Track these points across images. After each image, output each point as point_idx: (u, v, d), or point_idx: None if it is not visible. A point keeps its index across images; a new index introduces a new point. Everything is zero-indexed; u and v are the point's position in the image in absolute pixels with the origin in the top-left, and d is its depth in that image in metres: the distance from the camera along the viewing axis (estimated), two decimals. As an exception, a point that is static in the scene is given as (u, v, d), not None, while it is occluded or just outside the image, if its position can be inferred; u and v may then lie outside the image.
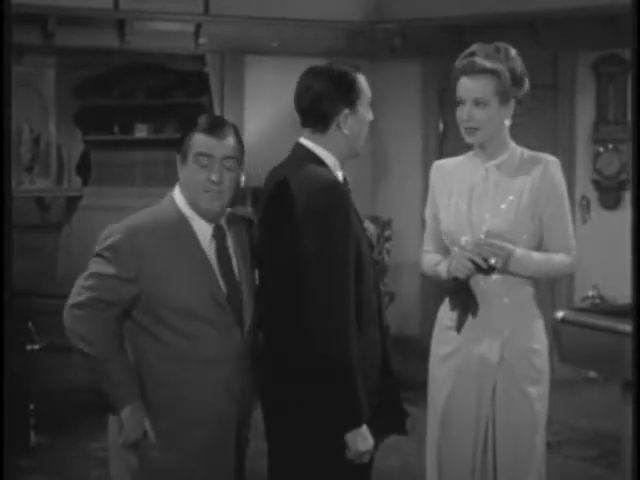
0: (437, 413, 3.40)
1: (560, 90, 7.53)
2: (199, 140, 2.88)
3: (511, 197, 3.33)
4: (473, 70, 3.29)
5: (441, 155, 7.53)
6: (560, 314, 3.41)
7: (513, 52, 3.34)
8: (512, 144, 3.41)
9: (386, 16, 7.86)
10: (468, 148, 3.46)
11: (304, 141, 3.02)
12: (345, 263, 2.86)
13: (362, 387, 2.84)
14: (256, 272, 3.07)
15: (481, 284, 3.33)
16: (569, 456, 5.63)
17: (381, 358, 3.04)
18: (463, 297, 3.33)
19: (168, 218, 2.90)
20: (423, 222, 3.60)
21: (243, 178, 8.58)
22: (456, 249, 3.38)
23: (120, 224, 2.89)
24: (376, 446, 2.93)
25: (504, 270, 3.28)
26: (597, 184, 7.44)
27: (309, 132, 3.01)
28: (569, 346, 3.40)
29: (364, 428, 2.86)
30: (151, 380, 2.86)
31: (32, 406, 5.91)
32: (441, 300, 3.48)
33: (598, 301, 7.17)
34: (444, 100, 7.73)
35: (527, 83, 3.36)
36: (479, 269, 3.27)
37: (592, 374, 6.76)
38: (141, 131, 9.03)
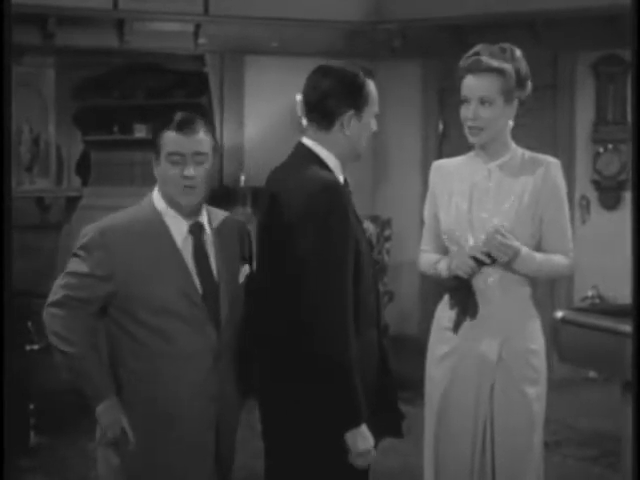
0: (434, 413, 3.40)
1: (560, 90, 7.53)
2: (169, 139, 2.92)
3: (512, 197, 3.33)
4: (479, 69, 3.29)
5: (441, 155, 7.53)
6: (560, 314, 3.41)
7: (518, 52, 3.35)
8: (513, 145, 3.41)
9: (386, 16, 7.86)
10: (468, 148, 3.46)
11: (306, 141, 3.02)
12: (343, 264, 2.86)
13: (360, 387, 2.84)
14: (240, 274, 3.08)
15: (480, 284, 3.33)
16: (568, 456, 5.63)
17: (379, 358, 3.04)
18: (464, 296, 3.33)
19: (143, 216, 2.95)
20: (423, 222, 3.60)
21: (243, 178, 8.56)
22: (455, 248, 3.38)
23: (95, 224, 2.95)
24: (374, 447, 2.92)
25: (507, 267, 3.28)
26: (597, 184, 7.45)
27: (312, 130, 3.01)
28: (569, 346, 3.40)
29: (363, 427, 2.86)
30: (127, 377, 2.89)
31: (32, 406, 5.91)
32: (440, 300, 3.48)
33: (598, 301, 7.17)
34: (444, 100, 7.73)
35: (530, 85, 3.37)
36: (481, 265, 3.27)
37: (592, 374, 6.76)
38: (140, 131, 9.02)
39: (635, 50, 3.01)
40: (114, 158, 9.11)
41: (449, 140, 7.74)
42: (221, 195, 7.09)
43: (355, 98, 2.97)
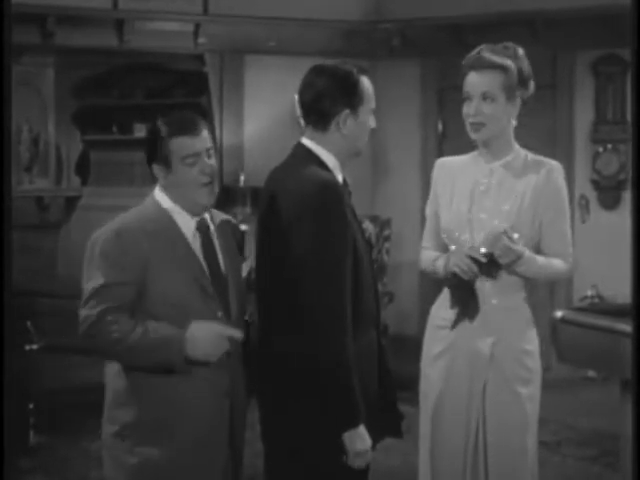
0: (429, 412, 3.41)
1: (559, 90, 7.53)
2: (180, 144, 2.90)
3: (513, 199, 3.33)
4: (482, 65, 3.30)
5: (440, 155, 7.52)
6: (559, 314, 3.41)
7: (521, 51, 3.36)
8: (516, 146, 3.41)
9: (385, 16, 7.86)
10: (468, 148, 3.46)
11: (305, 141, 3.02)
12: (341, 264, 2.86)
13: (358, 387, 2.84)
14: (242, 272, 3.10)
15: (476, 285, 3.32)
16: (568, 455, 5.63)
17: (378, 359, 3.04)
18: (465, 297, 3.33)
19: (151, 215, 2.95)
20: (422, 221, 3.60)
21: (242, 178, 8.55)
22: (454, 247, 3.38)
23: (106, 228, 2.92)
24: (372, 448, 2.92)
25: (508, 270, 3.28)
26: (596, 184, 7.45)
27: (310, 131, 3.01)
28: (568, 346, 3.39)
29: (361, 428, 2.86)
30: (142, 374, 2.87)
31: (31, 406, 5.91)
32: (436, 299, 3.48)
33: (597, 300, 7.17)
34: (443, 100, 7.73)
35: (532, 84, 3.37)
36: (479, 265, 3.26)
37: (591, 373, 6.77)
38: (140, 131, 9.01)
39: (635, 50, 3.02)
40: (114, 158, 9.10)
41: (448, 140, 7.74)
42: (221, 195, 7.08)
43: (350, 97, 2.97)
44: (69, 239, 8.13)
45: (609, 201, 7.40)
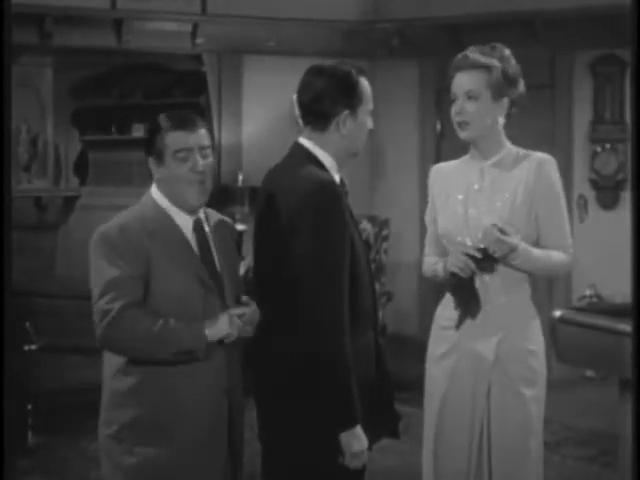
0: (433, 413, 3.40)
1: (557, 90, 7.53)
2: (174, 137, 2.92)
3: (506, 195, 3.33)
4: (466, 65, 3.32)
5: (439, 155, 7.54)
6: (558, 313, 3.41)
7: (507, 52, 3.37)
8: (508, 144, 3.42)
9: (384, 16, 7.86)
10: (465, 148, 3.47)
11: (303, 141, 3.02)
12: (340, 263, 2.86)
13: (356, 388, 2.84)
14: (238, 272, 3.10)
15: (480, 285, 3.33)
16: (567, 455, 5.63)
17: (376, 359, 3.04)
18: (466, 296, 3.33)
19: (150, 214, 2.95)
20: (421, 222, 3.61)
21: (241, 177, 8.55)
22: (452, 248, 3.38)
23: (108, 226, 2.91)
24: (369, 448, 2.92)
25: (504, 263, 3.28)
26: (594, 183, 7.45)
27: (309, 131, 3.01)
28: (567, 345, 3.40)
29: (358, 428, 2.86)
30: (141, 374, 2.87)
31: (30, 406, 5.91)
32: (439, 300, 3.48)
33: (596, 300, 7.17)
34: (441, 100, 7.73)
35: (522, 85, 3.38)
36: (476, 261, 3.26)
37: (589, 373, 6.78)
38: (138, 131, 9.03)
39: (635, 50, 3.01)
40: (112, 158, 9.12)
41: (447, 140, 7.74)
42: (219, 194, 7.10)
43: (349, 98, 2.97)
44: (68, 239, 8.14)
45: (607, 201, 7.40)
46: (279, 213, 2.91)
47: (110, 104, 9.09)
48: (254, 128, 7.84)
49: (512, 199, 3.32)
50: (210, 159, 2.98)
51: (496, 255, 3.25)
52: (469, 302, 3.33)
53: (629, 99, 7.01)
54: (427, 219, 3.56)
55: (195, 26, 7.55)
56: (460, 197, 3.39)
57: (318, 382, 2.83)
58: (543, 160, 3.38)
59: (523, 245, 3.27)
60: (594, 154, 7.43)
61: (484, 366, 3.32)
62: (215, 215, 3.11)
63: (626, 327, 3.00)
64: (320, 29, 7.77)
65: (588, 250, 6.84)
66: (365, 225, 7.29)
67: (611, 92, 7.35)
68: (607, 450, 5.48)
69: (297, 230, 2.85)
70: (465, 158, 3.48)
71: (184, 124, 2.93)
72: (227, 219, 3.18)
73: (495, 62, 3.31)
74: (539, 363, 3.37)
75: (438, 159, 3.61)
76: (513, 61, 3.36)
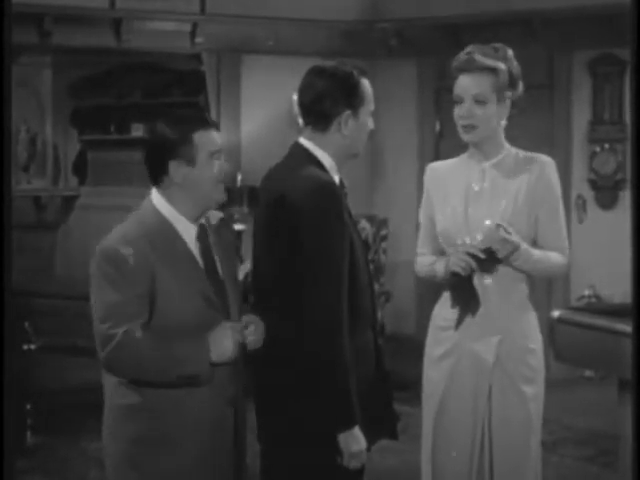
0: (431, 413, 3.40)
1: (556, 90, 7.54)
2: (209, 137, 2.81)
3: (507, 197, 3.34)
4: (472, 67, 3.30)
5: (437, 154, 7.55)
6: (556, 313, 3.41)
7: (510, 52, 3.36)
8: (507, 145, 3.42)
9: (382, 15, 7.86)
10: (465, 147, 3.46)
11: (303, 141, 3.02)
12: (340, 264, 2.86)
13: (354, 389, 2.84)
14: (238, 274, 3.06)
15: (478, 284, 3.33)
16: (565, 455, 5.64)
17: (374, 360, 3.04)
18: (466, 294, 3.33)
19: (153, 225, 2.81)
20: (418, 225, 3.60)
21: (240, 177, 8.55)
22: (452, 250, 3.38)
23: (109, 241, 2.78)
24: (368, 449, 2.92)
25: (506, 263, 3.28)
26: (593, 183, 7.45)
27: (309, 131, 3.01)
28: (565, 345, 3.40)
29: (356, 429, 2.86)
30: (145, 389, 2.78)
31: (29, 406, 5.91)
32: (437, 300, 3.48)
33: (594, 300, 7.17)
34: (440, 99, 7.73)
35: (521, 85, 3.38)
36: (478, 261, 3.27)
37: (588, 373, 6.78)
38: (137, 130, 9.02)
39: (634, 50, 3.01)
40: (111, 158, 9.10)
41: (446, 139, 7.74)
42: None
43: (351, 98, 2.97)
44: (67, 239, 8.14)
45: (606, 201, 7.40)
46: (279, 213, 2.91)
47: (109, 104, 9.08)
48: (253, 127, 7.84)
49: (514, 201, 3.33)
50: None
51: (499, 255, 3.25)
52: (469, 300, 3.33)
53: (628, 99, 7.01)
54: (421, 217, 3.55)
55: (194, 26, 7.55)
56: (459, 197, 3.39)
57: (317, 383, 2.84)
58: (544, 162, 3.38)
59: (525, 246, 3.28)
60: (593, 154, 7.43)
61: (484, 367, 3.33)
62: (215, 215, 3.04)
63: (625, 327, 3.00)
64: (319, 29, 7.77)
65: (587, 250, 6.84)
66: (364, 225, 7.29)
67: (610, 92, 7.36)
68: (606, 450, 5.48)
69: (296, 230, 2.85)
70: (463, 157, 3.47)
71: (214, 123, 2.84)
72: (225, 218, 3.11)
73: (501, 65, 3.30)
74: (538, 361, 3.38)
75: (437, 159, 3.61)
76: (515, 62, 3.36)
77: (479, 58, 3.30)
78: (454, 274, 3.31)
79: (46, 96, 7.96)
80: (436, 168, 3.54)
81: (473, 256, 3.27)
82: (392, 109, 7.85)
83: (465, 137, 3.36)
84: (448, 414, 3.36)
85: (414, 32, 7.81)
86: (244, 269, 3.03)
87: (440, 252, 3.45)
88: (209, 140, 2.80)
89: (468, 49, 3.36)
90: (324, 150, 2.99)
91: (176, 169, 2.79)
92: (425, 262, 3.51)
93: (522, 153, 3.42)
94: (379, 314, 7.14)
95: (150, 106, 8.96)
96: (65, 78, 8.42)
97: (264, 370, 2.98)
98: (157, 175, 2.83)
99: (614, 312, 3.32)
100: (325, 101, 2.95)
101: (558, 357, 3.43)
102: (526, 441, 3.33)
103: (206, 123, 2.82)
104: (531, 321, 3.40)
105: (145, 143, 2.88)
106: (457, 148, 3.54)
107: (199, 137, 2.78)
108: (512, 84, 3.33)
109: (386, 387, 3.07)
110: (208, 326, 2.77)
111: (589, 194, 7.47)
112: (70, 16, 7.10)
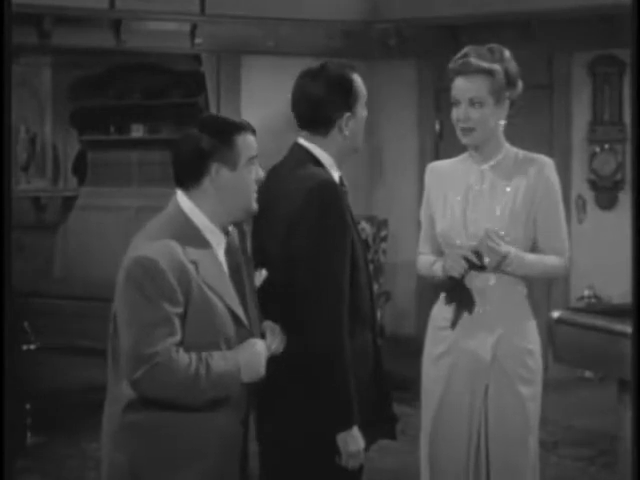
0: (430, 412, 3.41)
1: (555, 90, 7.53)
2: (249, 142, 2.72)
3: (506, 198, 3.34)
4: (468, 70, 3.30)
5: (437, 155, 7.54)
6: (556, 314, 3.42)
7: (507, 53, 3.35)
8: (507, 145, 3.42)
9: (382, 16, 7.86)
10: (464, 148, 3.46)
11: (302, 141, 3.02)
12: (341, 263, 2.86)
13: (354, 389, 2.84)
14: (256, 281, 2.98)
15: (476, 283, 3.33)
16: (564, 456, 5.63)
17: (373, 360, 3.04)
18: (459, 293, 3.34)
19: (186, 235, 2.66)
20: (419, 222, 3.61)
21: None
22: (448, 251, 3.38)
23: (148, 252, 2.58)
24: (366, 449, 2.92)
25: (497, 269, 3.29)
26: (593, 184, 7.45)
27: (308, 134, 3.01)
28: (564, 346, 3.40)
29: (355, 429, 2.86)
30: (160, 406, 2.65)
31: (28, 406, 5.91)
32: (436, 300, 3.49)
33: (594, 301, 7.17)
34: (440, 100, 7.73)
35: (520, 84, 3.38)
36: (473, 266, 3.28)
37: (587, 374, 6.78)
38: (137, 131, 9.03)
39: (634, 50, 3.01)
40: (111, 158, 9.11)
41: (445, 140, 7.74)
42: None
43: (348, 100, 2.97)
44: (66, 239, 8.14)
45: (606, 201, 7.40)
46: (280, 213, 2.91)
47: (109, 104, 9.08)
48: (253, 128, 7.84)
49: (512, 202, 3.33)
50: None
51: (490, 265, 3.26)
52: (463, 299, 3.34)
53: (628, 100, 7.02)
54: (422, 217, 3.55)
55: (194, 26, 7.54)
56: (458, 199, 3.39)
57: (316, 383, 2.84)
58: (543, 163, 3.38)
59: (514, 252, 3.27)
60: (592, 155, 7.43)
61: (481, 365, 3.33)
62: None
63: (624, 328, 3.01)
64: (318, 29, 7.76)
65: (586, 250, 6.84)
66: (363, 225, 7.30)
67: (609, 93, 7.35)
68: (605, 451, 5.48)
69: (297, 229, 2.85)
70: (463, 157, 3.47)
71: (252, 127, 2.74)
72: (242, 226, 2.98)
73: (497, 66, 3.29)
74: (536, 362, 3.38)
75: (437, 159, 3.60)
76: (513, 62, 3.36)
77: (474, 61, 3.30)
78: (450, 277, 3.33)
79: (46, 96, 7.96)
80: (436, 168, 3.54)
81: (467, 260, 3.28)
82: (392, 110, 7.85)
83: (463, 140, 3.37)
84: (446, 413, 3.37)
85: (413, 32, 7.80)
86: (260, 277, 2.95)
87: (440, 251, 3.46)
88: (249, 144, 2.71)
89: (464, 51, 3.36)
90: (324, 150, 2.99)
91: (217, 172, 2.67)
92: (425, 262, 3.51)
93: (522, 153, 3.42)
94: (379, 314, 7.14)
95: (150, 107, 8.97)
96: (65, 78, 8.42)
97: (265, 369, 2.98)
98: (193, 178, 2.68)
99: (613, 313, 3.33)
100: (324, 108, 2.94)
101: (557, 358, 3.43)
102: (523, 441, 3.33)
103: (246, 127, 2.72)
104: (529, 322, 3.40)
105: (183, 144, 2.72)
106: (457, 149, 3.54)
107: (241, 140, 2.70)
108: (510, 84, 3.33)
109: (384, 388, 3.07)
110: (235, 342, 2.68)
111: (589, 195, 7.47)
112: (70, 16, 7.09)
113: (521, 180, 3.35)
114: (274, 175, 3.04)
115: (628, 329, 2.93)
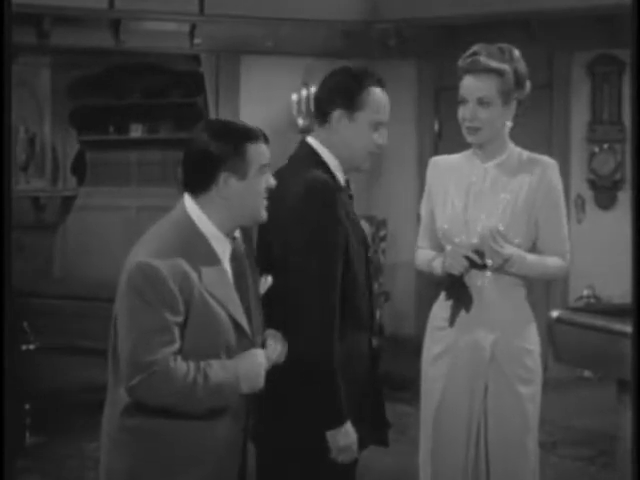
0: (430, 412, 3.41)
1: (555, 90, 7.54)
2: (261, 150, 2.65)
3: (508, 198, 3.33)
4: (477, 69, 3.28)
5: (436, 155, 7.54)
6: (555, 314, 3.41)
7: (517, 53, 3.33)
8: (511, 145, 3.40)
9: (381, 16, 7.86)
10: (464, 148, 3.46)
11: (310, 140, 3.03)
12: (331, 264, 2.85)
13: (344, 387, 2.83)
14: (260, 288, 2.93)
15: (477, 283, 3.33)
16: (564, 456, 5.63)
17: (368, 362, 3.03)
18: (457, 291, 3.34)
19: (191, 242, 2.62)
20: (418, 222, 3.61)
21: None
22: (450, 247, 3.38)
23: (148, 255, 2.55)
24: (360, 449, 2.91)
25: (498, 269, 3.29)
26: (592, 184, 7.46)
27: (315, 126, 3.05)
28: (564, 346, 3.40)
29: (347, 425, 2.85)
30: (157, 413, 2.62)
31: (27, 406, 5.91)
32: (436, 299, 3.48)
33: (593, 301, 7.18)
34: (440, 100, 7.73)
35: (529, 85, 3.36)
36: (474, 265, 3.28)
37: (587, 373, 6.78)
38: (136, 131, 9.04)
39: (634, 50, 3.01)
40: (110, 158, 9.11)
41: (445, 140, 7.74)
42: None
43: (343, 97, 2.97)
44: (66, 239, 8.14)
45: (605, 201, 7.41)
46: (279, 216, 2.90)
47: (108, 104, 9.09)
48: (252, 128, 7.84)
49: (514, 202, 3.32)
50: None
51: (489, 265, 3.26)
52: (461, 297, 3.34)
53: (627, 99, 7.02)
54: (422, 211, 3.54)
55: (193, 26, 7.55)
56: (460, 196, 3.38)
57: (306, 381, 2.83)
58: (546, 165, 3.37)
59: (517, 253, 3.27)
60: (592, 154, 7.44)
61: (480, 365, 3.33)
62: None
63: (624, 328, 3.00)
64: (318, 29, 7.77)
65: (586, 250, 6.84)
66: (362, 225, 7.29)
67: (609, 92, 7.36)
68: (604, 451, 5.48)
69: (290, 231, 2.86)
70: (467, 154, 3.45)
71: (265, 136, 2.69)
72: (247, 231, 2.93)
73: (507, 67, 3.28)
74: (535, 362, 3.37)
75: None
76: (522, 62, 3.33)
77: (484, 60, 3.28)
78: (449, 275, 3.33)
79: (45, 96, 7.96)
80: (439, 163, 3.53)
81: (468, 258, 3.28)
82: (391, 110, 7.83)
83: (469, 139, 3.36)
84: (445, 413, 3.37)
85: (413, 32, 7.81)
86: (265, 284, 2.91)
87: (439, 246, 3.45)
88: (260, 153, 2.65)
89: (474, 49, 3.33)
90: (327, 149, 2.99)
91: (225, 181, 2.61)
92: (424, 257, 3.50)
93: (526, 154, 3.40)
94: (378, 314, 7.14)
95: (149, 107, 8.97)
96: (64, 78, 8.42)
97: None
98: (201, 184, 2.63)
99: (613, 312, 3.33)
100: (323, 96, 3.01)
101: (557, 357, 3.43)
102: (522, 441, 3.33)
103: (259, 135, 2.67)
104: (529, 322, 3.40)
105: (192, 150, 2.66)
106: (457, 148, 3.53)
107: (253, 149, 2.64)
108: (519, 85, 3.31)
109: (378, 392, 3.06)
110: (236, 351, 2.66)
111: (588, 194, 7.47)
112: (69, 16, 7.10)
113: (524, 180, 3.34)
114: (278, 178, 3.04)
115: (628, 329, 2.93)
